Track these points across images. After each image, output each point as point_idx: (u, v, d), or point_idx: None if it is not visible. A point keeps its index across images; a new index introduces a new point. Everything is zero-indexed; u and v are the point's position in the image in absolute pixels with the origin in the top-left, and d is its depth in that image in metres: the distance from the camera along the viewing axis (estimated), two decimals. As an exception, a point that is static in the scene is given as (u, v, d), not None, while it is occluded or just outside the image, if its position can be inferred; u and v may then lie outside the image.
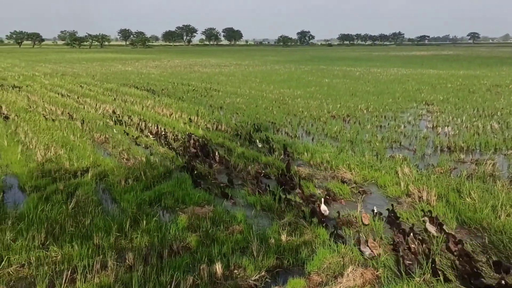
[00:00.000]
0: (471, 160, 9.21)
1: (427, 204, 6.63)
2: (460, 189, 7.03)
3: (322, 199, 6.48)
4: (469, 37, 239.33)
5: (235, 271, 4.74)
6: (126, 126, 12.91)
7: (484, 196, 6.66)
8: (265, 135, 11.55)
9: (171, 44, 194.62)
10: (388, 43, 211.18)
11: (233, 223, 6.02)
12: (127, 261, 4.87)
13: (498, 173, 8.10)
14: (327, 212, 6.27)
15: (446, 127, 12.39)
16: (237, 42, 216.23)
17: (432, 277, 4.45)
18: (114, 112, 15.34)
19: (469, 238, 5.52)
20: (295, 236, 5.60)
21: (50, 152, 9.38)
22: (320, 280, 4.56)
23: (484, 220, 5.87)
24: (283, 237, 5.48)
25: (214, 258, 4.95)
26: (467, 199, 6.59)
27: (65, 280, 4.44)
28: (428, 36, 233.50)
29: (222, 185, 7.70)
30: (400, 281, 4.42)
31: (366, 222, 5.91)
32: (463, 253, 4.81)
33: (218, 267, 4.64)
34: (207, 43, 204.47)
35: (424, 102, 17.84)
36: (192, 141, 10.54)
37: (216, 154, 9.42)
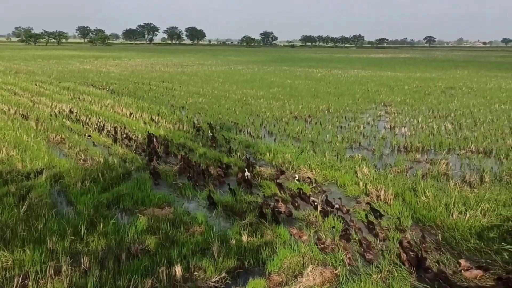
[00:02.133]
0: (426, 159, 9.51)
1: (385, 203, 6.79)
2: (415, 188, 7.23)
3: (297, 191, 6.53)
4: (425, 40, 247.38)
5: (195, 273, 4.69)
6: (84, 126, 12.56)
7: (438, 195, 6.88)
8: (228, 135, 11.52)
9: (132, 42, 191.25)
10: (349, 45, 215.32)
11: (193, 225, 5.96)
12: (82, 265, 4.72)
13: (451, 172, 8.40)
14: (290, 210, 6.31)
15: (403, 128, 12.73)
16: (200, 42, 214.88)
17: (388, 274, 4.55)
18: (71, 111, 14.89)
19: (423, 235, 5.67)
20: (256, 237, 5.60)
21: (2, 153, 9.00)
22: (281, 280, 4.58)
23: (438, 218, 6.07)
24: (244, 238, 5.47)
25: (174, 260, 4.88)
26: (422, 197, 6.79)
27: (16, 286, 4.26)
28: (387, 39, 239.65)
29: (183, 186, 7.61)
30: (358, 279, 4.50)
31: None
32: (410, 248, 4.95)
33: (178, 269, 4.58)
34: (170, 42, 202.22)
35: (382, 103, 18.28)
36: (153, 142, 10.37)
37: (178, 154, 9.31)
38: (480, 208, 6.23)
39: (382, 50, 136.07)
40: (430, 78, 31.18)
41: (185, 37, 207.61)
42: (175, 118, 13.91)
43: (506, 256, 3.62)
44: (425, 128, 12.88)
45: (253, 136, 11.78)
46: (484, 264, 4.65)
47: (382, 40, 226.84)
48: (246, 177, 7.84)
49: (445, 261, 4.95)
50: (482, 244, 5.25)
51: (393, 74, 34.59)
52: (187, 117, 14.30)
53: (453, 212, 6.16)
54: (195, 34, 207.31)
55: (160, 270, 4.59)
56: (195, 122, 13.34)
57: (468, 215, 5.99)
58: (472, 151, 10.18)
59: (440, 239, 5.53)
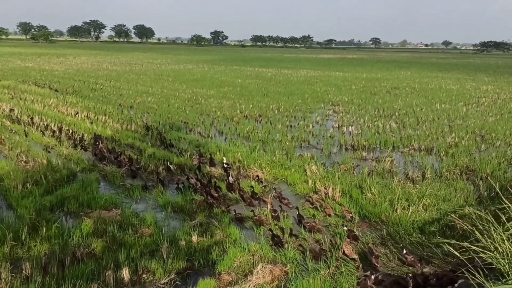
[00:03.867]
0: (372, 157, 9.82)
1: (333, 200, 6.95)
2: (362, 185, 7.45)
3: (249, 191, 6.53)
4: (371, 42, 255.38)
5: (144, 275, 4.60)
6: (25, 126, 11.98)
7: (383, 191, 7.12)
8: (178, 135, 11.39)
9: (77, 40, 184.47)
10: (298, 45, 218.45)
11: (142, 226, 5.84)
12: (24, 271, 4.51)
13: (395, 169, 8.72)
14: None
15: (350, 127, 13.08)
16: (149, 40, 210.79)
17: (336, 270, 4.66)
18: (11, 111, 14.17)
19: (369, 231, 5.87)
20: (206, 237, 5.57)
21: None
22: (231, 279, 4.58)
23: (382, 214, 6.29)
24: (194, 238, 5.43)
25: (121, 263, 4.76)
26: (368, 194, 7.00)
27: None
28: (335, 40, 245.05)
29: (131, 187, 7.45)
30: (307, 276, 4.58)
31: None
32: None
33: (125, 272, 4.47)
34: (117, 40, 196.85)
35: (331, 103, 18.70)
36: (99, 142, 10.06)
37: (125, 155, 9.10)
38: (422, 203, 6.50)
39: (330, 51, 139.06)
40: (376, 78, 32.22)
41: (133, 35, 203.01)
42: (123, 118, 13.58)
43: (446, 249, 3.81)
44: (371, 127, 13.29)
45: (204, 136, 11.71)
46: (426, 257, 4.86)
47: (330, 41, 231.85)
48: (196, 177, 7.78)
49: (389, 254, 5.13)
50: (424, 237, 5.49)
51: (341, 74, 35.46)
52: (135, 116, 13.99)
53: (397, 208, 6.40)
54: (144, 32, 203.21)
55: (106, 274, 4.46)
56: (144, 121, 13.08)
57: (411, 210, 6.25)
58: (414, 149, 10.62)
59: (385, 234, 5.73)
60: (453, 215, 5.24)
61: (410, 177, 8.21)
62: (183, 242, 5.29)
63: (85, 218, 6.03)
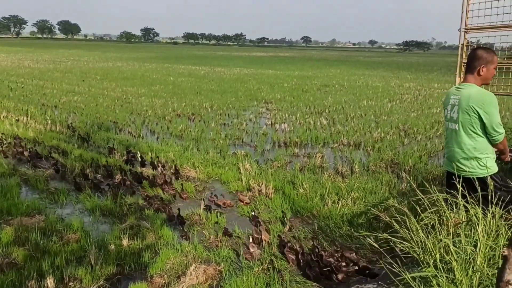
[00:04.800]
0: (304, 153, 10.05)
1: (266, 196, 7.01)
2: (294, 181, 7.59)
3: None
4: (302, 40, 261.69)
5: (70, 283, 4.37)
6: None
7: (314, 186, 7.30)
8: (107, 135, 10.98)
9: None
10: (231, 43, 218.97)
11: (68, 232, 5.55)
12: None
13: (326, 165, 8.98)
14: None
15: (283, 124, 13.30)
16: (74, 37, 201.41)
17: (270, 266, 4.70)
18: None
19: (301, 226, 5.99)
20: (137, 240, 5.40)
21: None
22: (163, 281, 4.48)
23: (314, 208, 6.44)
24: (125, 242, 5.25)
25: (45, 272, 4.49)
26: (300, 190, 7.15)
27: None
28: (267, 38, 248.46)
29: (56, 191, 7.06)
30: (240, 273, 4.58)
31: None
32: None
33: (50, 281, 4.22)
34: (40, 36, 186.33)
35: (264, 101, 18.91)
36: (20, 144, 9.45)
37: (50, 157, 8.62)
38: (350, 196, 6.74)
39: (263, 49, 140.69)
40: (307, 76, 33.03)
41: (57, 31, 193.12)
42: (46, 118, 12.87)
43: (372, 240, 3.97)
44: (303, 123, 13.59)
45: (134, 136, 11.39)
46: (354, 249, 5.04)
47: (263, 39, 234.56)
48: (127, 178, 7.55)
49: (320, 248, 5.26)
50: (353, 230, 5.69)
51: (274, 72, 35.99)
52: (60, 117, 13.32)
53: (327, 202, 6.58)
54: (69, 28, 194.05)
55: (29, 284, 4.19)
56: (70, 122, 12.48)
57: (340, 204, 6.45)
58: (344, 144, 11.00)
59: (316, 228, 5.87)
60: (373, 209, 5.44)
61: (340, 172, 8.49)
62: (113, 247, 5.09)
63: (5, 226, 5.63)
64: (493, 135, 3.58)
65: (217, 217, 6.10)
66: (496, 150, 3.83)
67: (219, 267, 4.74)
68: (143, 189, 7.14)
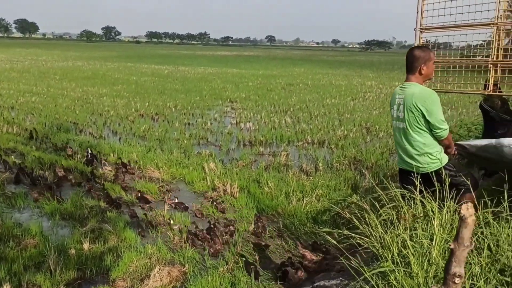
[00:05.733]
0: (269, 152, 10.08)
1: (231, 196, 6.99)
2: (259, 180, 7.60)
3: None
4: (267, 39, 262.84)
5: (28, 290, 4.22)
6: None
7: (279, 185, 7.33)
8: (67, 136, 10.67)
9: None
10: (195, 42, 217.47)
11: (26, 237, 5.36)
12: None
13: (291, 163, 9.03)
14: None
15: (248, 123, 13.30)
16: (32, 35, 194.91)
17: (235, 265, 4.69)
18: None
19: (267, 224, 5.99)
20: (99, 243, 5.27)
21: None
22: (126, 285, 4.39)
23: (279, 206, 6.47)
24: (86, 246, 5.11)
25: (2, 280, 4.32)
26: (265, 188, 7.16)
27: None
28: (232, 37, 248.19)
29: (13, 195, 6.80)
30: (205, 274, 4.55)
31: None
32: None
33: (6, 290, 4.06)
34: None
35: (228, 100, 18.86)
36: (-26, 147, 9.05)
37: (6, 160, 8.30)
38: (315, 194, 6.80)
39: (227, 48, 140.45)
40: (271, 75, 33.19)
41: (14, 30, 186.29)
42: (2, 120, 12.39)
43: (336, 236, 4.02)
44: (268, 122, 13.63)
45: (96, 137, 11.12)
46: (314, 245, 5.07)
47: (227, 38, 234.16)
48: (88, 180, 7.36)
49: (285, 245, 5.30)
50: (317, 227, 5.74)
51: (238, 71, 35.97)
52: (17, 118, 12.86)
53: (292, 200, 6.62)
54: (26, 26, 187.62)
55: (-16, 294, 4.02)
56: (28, 123, 12.07)
57: (305, 202, 6.50)
58: (308, 142, 11.10)
59: (281, 226, 5.89)
60: (335, 206, 5.53)
61: (304, 170, 8.56)
62: (73, 251, 4.95)
63: (-43, 233, 5.37)
64: (437, 132, 3.72)
65: (181, 217, 6.03)
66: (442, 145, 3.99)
67: (183, 268, 4.69)
68: (105, 191, 6.97)
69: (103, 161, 8.59)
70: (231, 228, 5.56)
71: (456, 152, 4.13)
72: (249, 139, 11.22)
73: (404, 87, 3.89)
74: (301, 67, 45.75)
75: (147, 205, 6.61)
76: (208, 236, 5.30)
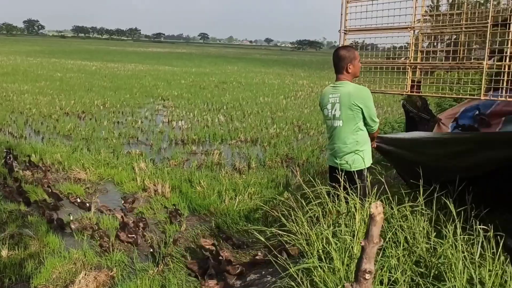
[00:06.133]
0: (202, 151, 10.00)
1: (163, 196, 6.84)
2: (191, 179, 7.51)
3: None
4: (200, 37, 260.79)
5: None
6: None
7: (211, 184, 7.28)
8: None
9: None
10: (125, 38, 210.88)
11: None
12: None
13: (223, 161, 9.01)
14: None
15: (180, 121, 13.10)
16: None
17: (165, 267, 4.58)
18: None
19: (199, 224, 5.93)
20: (19, 250, 4.94)
21: None
22: (49, 293, 4.15)
23: (211, 206, 6.42)
24: (4, 253, 4.77)
25: None
26: (197, 187, 7.09)
27: None
28: (164, 34, 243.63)
29: None
30: (134, 277, 4.41)
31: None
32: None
33: None
34: None
35: (160, 98, 18.49)
36: None
37: None
38: (247, 192, 6.83)
39: (159, 45, 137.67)
40: (204, 73, 32.97)
41: None
42: None
43: (268, 233, 4.05)
44: (200, 121, 13.51)
45: (16, 136, 10.44)
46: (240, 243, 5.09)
47: (159, 35, 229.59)
48: (6, 182, 6.88)
49: (218, 245, 5.26)
50: (249, 225, 5.76)
51: (171, 69, 35.37)
52: None
53: (225, 199, 6.61)
54: None
55: None
56: None
57: (237, 200, 6.51)
58: (241, 141, 11.14)
59: (213, 225, 5.85)
60: (265, 205, 5.58)
61: (237, 168, 8.57)
62: (-11, 259, 4.60)
63: None
64: (372, 126, 3.89)
65: (109, 220, 5.81)
66: None
67: (111, 272, 4.51)
68: (26, 194, 6.55)
69: (24, 163, 8.07)
70: (161, 228, 5.43)
71: (376, 146, 4.31)
72: (181, 138, 11.05)
73: (336, 87, 3.99)
74: (235, 65, 45.87)
75: (72, 208, 6.30)
76: (136, 237, 5.15)
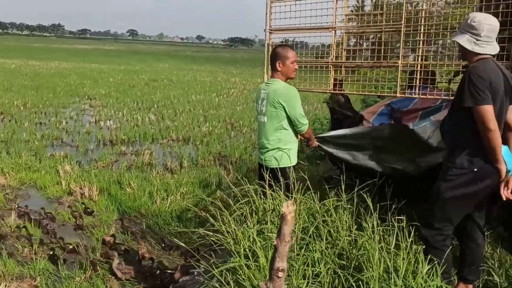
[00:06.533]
0: (132, 151, 9.73)
1: (90, 200, 6.58)
2: (121, 181, 7.28)
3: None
4: (128, 33, 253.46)
5: None
6: None
7: (142, 185, 7.11)
8: None
9: None
10: (48, 34, 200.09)
11: None
12: None
13: (155, 161, 8.82)
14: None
15: (108, 121, 12.66)
16: None
17: (93, 273, 4.42)
18: None
19: (129, 226, 5.76)
20: None
21: None
22: (-37, 310, 3.85)
23: (142, 207, 6.28)
24: None
25: None
26: (127, 189, 6.89)
27: None
28: (90, 30, 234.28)
29: None
30: (60, 285, 4.21)
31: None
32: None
33: None
34: None
35: (87, 97, 17.77)
36: None
37: None
38: (179, 192, 6.75)
39: (85, 41, 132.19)
40: (134, 70, 32.10)
41: None
42: None
43: (201, 233, 4.01)
44: (130, 120, 13.14)
45: None
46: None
47: (84, 31, 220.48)
48: None
49: (150, 247, 5.15)
50: (182, 225, 5.71)
51: (98, 66, 34.10)
52: None
53: (156, 199, 6.48)
54: None
55: None
56: None
57: (169, 200, 6.42)
58: (173, 140, 10.98)
59: (144, 227, 5.73)
60: (191, 206, 5.56)
61: (169, 168, 8.43)
62: None
63: None
64: (298, 126, 3.97)
65: (31, 227, 5.49)
66: (304, 138, 4.28)
67: (34, 282, 4.26)
68: None
69: None
70: (88, 233, 5.23)
71: (317, 144, 4.42)
72: (110, 138, 10.68)
73: (268, 83, 4.09)
74: (166, 63, 45.08)
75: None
76: (61, 243, 4.92)
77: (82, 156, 9.14)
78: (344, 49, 4.66)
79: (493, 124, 2.75)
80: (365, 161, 4.27)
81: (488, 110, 2.77)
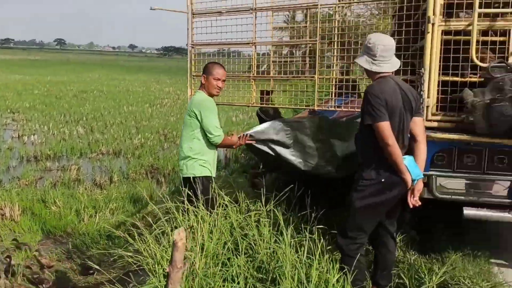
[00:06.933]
0: (58, 167, 9.29)
1: (11, 220, 6.19)
2: (45, 199, 6.92)
3: None
4: (56, 42, 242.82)
5: None
6: None
7: (69, 202, 6.80)
8: None
9: None
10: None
11: None
12: None
13: (82, 177, 8.49)
14: None
15: (33, 136, 12.02)
16: None
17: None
18: None
19: (54, 247, 5.50)
20: None
21: None
22: None
23: (68, 226, 6.01)
24: None
25: None
26: (52, 207, 6.56)
27: None
28: (13, 39, 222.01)
29: None
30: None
31: None
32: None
33: None
34: None
35: (9, 110, 16.79)
36: None
37: None
38: (109, 208, 6.55)
39: (8, 51, 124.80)
40: (62, 81, 30.77)
41: None
42: None
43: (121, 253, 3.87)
44: (56, 134, 12.56)
45: None
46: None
47: (7, 40, 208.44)
48: None
49: (74, 267, 4.95)
50: (111, 243, 5.52)
51: (22, 78, 32.35)
52: None
53: (83, 217, 6.24)
54: None
55: None
56: None
57: (98, 217, 6.20)
58: (103, 153, 10.63)
59: (71, 247, 5.48)
60: (108, 227, 5.43)
61: (98, 183, 8.16)
62: None
63: None
64: (211, 137, 4.03)
65: None
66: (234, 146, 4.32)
67: None
68: None
69: None
70: (7, 259, 4.90)
71: (244, 142, 4.41)
72: (34, 154, 10.14)
73: (194, 94, 4.16)
74: (96, 73, 43.62)
75: None
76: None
77: (3, 174, 8.61)
78: (272, 62, 4.77)
79: (391, 139, 2.94)
80: (288, 156, 4.35)
81: (385, 127, 2.95)
